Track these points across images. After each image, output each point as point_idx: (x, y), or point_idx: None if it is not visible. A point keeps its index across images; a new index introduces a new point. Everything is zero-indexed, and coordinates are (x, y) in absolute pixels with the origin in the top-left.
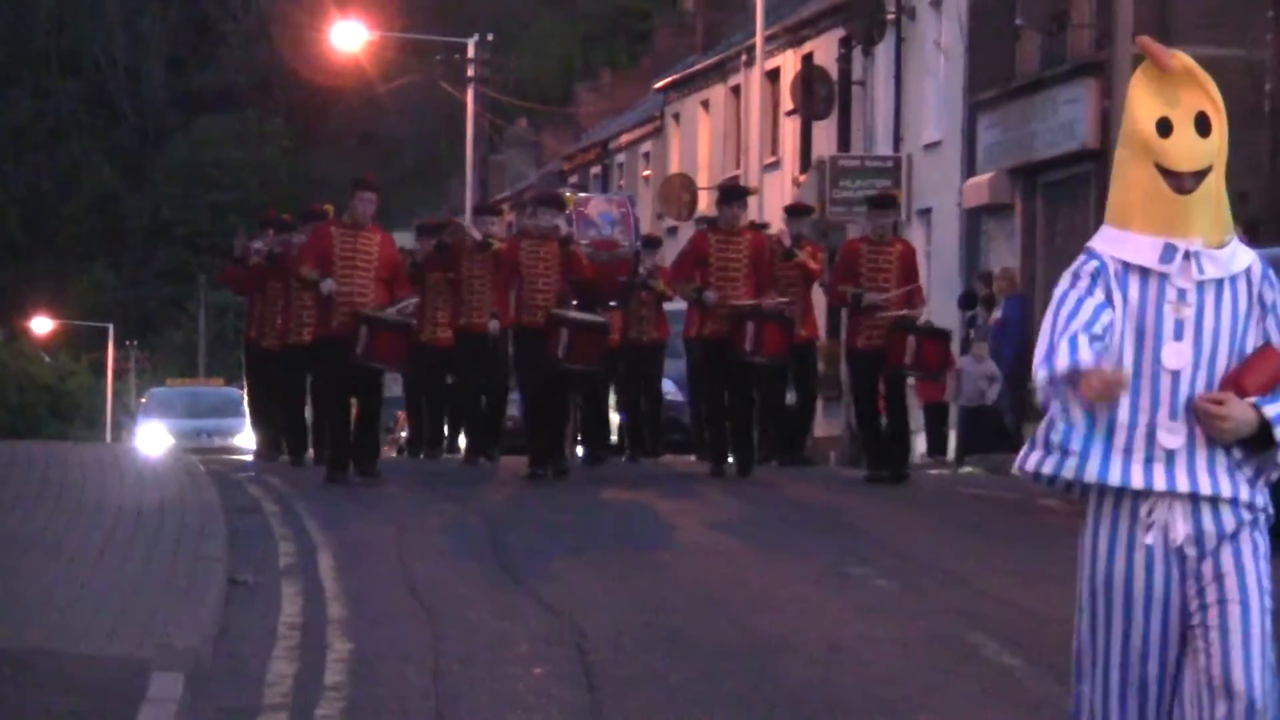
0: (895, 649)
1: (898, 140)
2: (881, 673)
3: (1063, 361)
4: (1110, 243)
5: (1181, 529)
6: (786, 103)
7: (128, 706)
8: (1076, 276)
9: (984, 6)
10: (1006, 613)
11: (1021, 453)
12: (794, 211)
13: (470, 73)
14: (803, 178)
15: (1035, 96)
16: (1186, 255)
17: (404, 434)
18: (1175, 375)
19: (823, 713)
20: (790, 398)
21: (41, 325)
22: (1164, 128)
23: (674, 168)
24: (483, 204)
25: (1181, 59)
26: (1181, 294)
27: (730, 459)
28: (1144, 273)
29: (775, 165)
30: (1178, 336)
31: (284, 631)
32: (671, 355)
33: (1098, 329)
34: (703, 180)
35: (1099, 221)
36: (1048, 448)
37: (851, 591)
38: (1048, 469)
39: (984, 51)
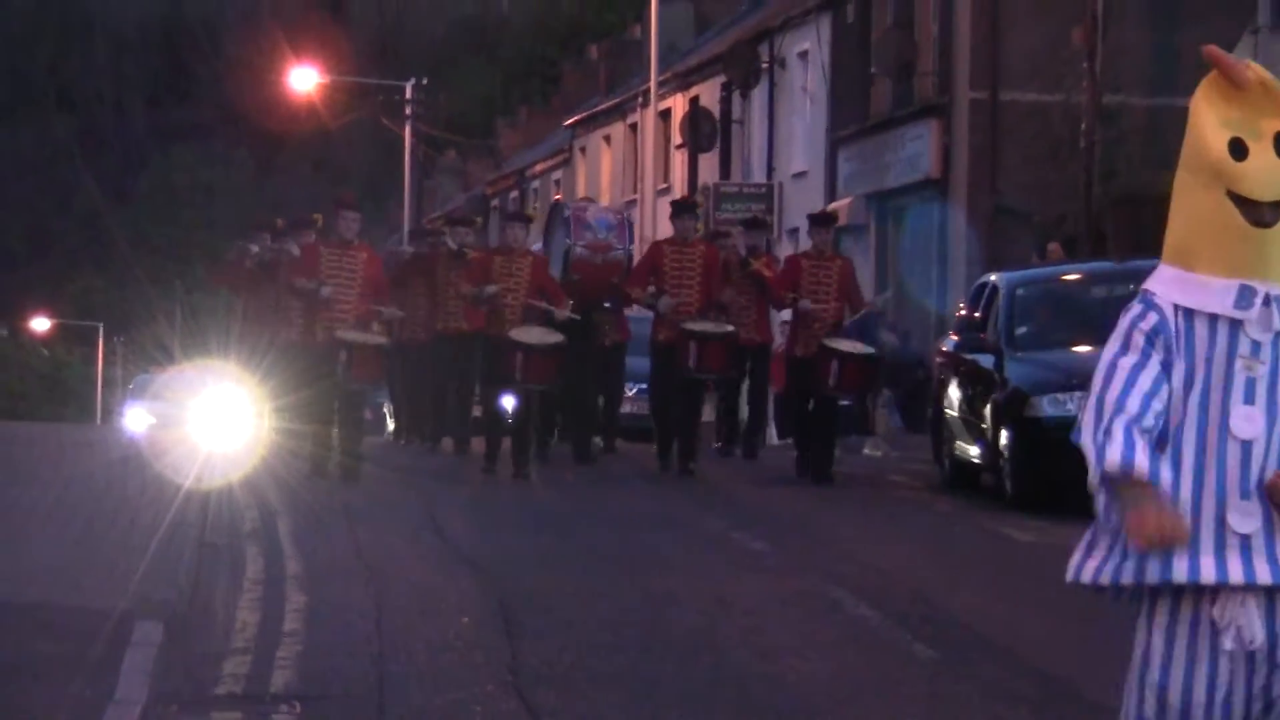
0: (769, 602)
1: (770, 170)
2: (757, 622)
3: (1115, 456)
4: (1171, 285)
5: (1260, 631)
6: (676, 138)
7: (114, 650)
8: (1129, 336)
9: (843, 57)
10: (863, 572)
11: (1074, 562)
12: (750, 224)
13: (407, 111)
14: None
15: (886, 134)
16: (1267, 300)
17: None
18: (1246, 446)
19: (707, 656)
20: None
21: (40, 324)
22: (1238, 150)
23: (580, 192)
24: (459, 216)
25: (1257, 71)
26: (1255, 347)
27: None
28: (1213, 321)
29: (666, 191)
30: (1248, 399)
31: (248, 586)
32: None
33: (1150, 419)
34: (604, 203)
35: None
36: (1104, 552)
37: (732, 554)
38: (1105, 578)
39: (843, 95)
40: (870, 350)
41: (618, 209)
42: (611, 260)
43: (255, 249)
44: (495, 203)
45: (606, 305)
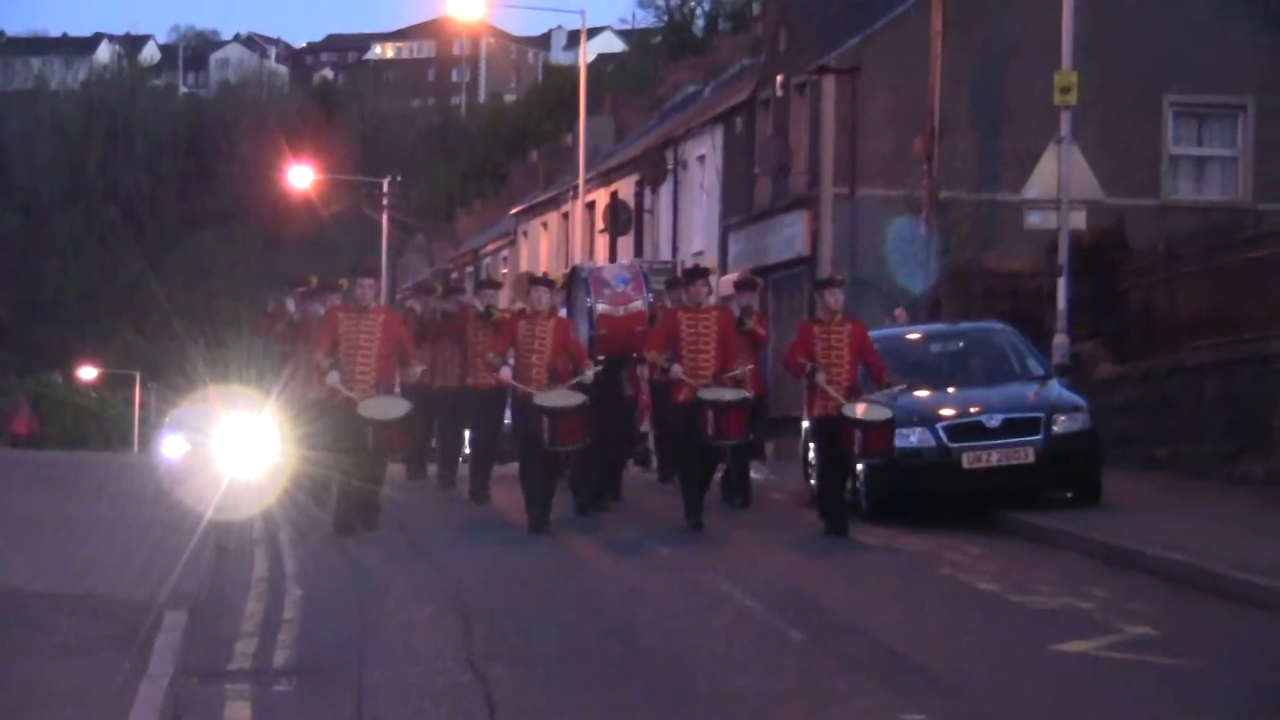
0: (673, 595)
1: (675, 250)
2: (663, 610)
3: None
4: None
5: None
6: (600, 224)
7: (147, 633)
8: None
9: (733, 160)
10: (749, 570)
11: None
12: (743, 285)
13: (384, 201)
14: None
15: (767, 221)
16: None
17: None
18: None
19: (623, 635)
20: None
21: (88, 372)
22: None
23: (523, 267)
24: (487, 279)
25: None
26: None
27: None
28: None
29: None
30: None
31: (255, 582)
32: None
33: None
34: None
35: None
36: None
37: (645, 556)
38: None
39: (733, 190)
40: (889, 414)
41: (632, 264)
42: (633, 311)
43: (290, 303)
44: (455, 275)
45: (634, 355)
